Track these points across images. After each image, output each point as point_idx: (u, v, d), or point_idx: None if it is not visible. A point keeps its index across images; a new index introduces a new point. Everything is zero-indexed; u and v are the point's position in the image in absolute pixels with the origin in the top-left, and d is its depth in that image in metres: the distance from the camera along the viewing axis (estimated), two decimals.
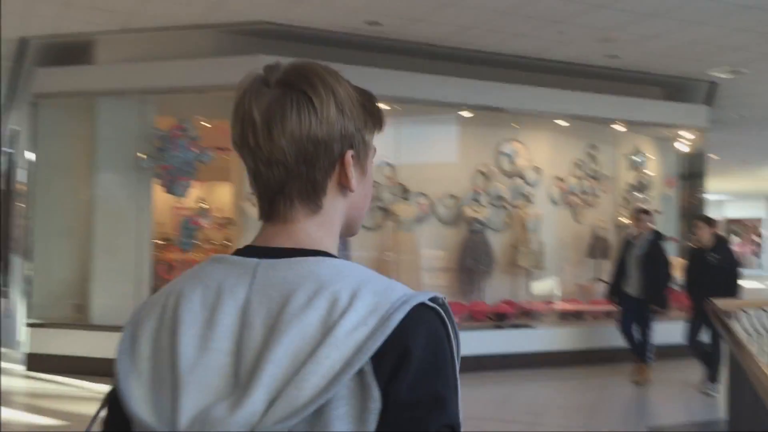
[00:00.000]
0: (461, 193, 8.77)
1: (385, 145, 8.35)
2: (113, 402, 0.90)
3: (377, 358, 0.81)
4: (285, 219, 0.94)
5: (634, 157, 10.04)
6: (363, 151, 0.98)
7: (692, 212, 11.30)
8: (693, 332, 7.04)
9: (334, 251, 0.95)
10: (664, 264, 7.47)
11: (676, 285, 8.16)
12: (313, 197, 0.94)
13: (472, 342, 7.35)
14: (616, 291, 7.59)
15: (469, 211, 8.56)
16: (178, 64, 7.33)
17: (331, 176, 0.95)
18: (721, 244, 7.13)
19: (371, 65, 7.75)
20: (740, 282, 6.98)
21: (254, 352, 0.83)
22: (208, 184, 10.05)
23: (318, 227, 0.95)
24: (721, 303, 5.68)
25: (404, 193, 8.38)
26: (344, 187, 0.96)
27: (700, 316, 6.63)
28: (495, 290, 8.78)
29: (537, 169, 9.21)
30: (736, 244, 30.77)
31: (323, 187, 0.95)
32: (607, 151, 9.89)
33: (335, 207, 0.97)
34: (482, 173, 8.95)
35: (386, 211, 8.33)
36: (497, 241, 8.88)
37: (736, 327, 4.82)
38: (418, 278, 8.25)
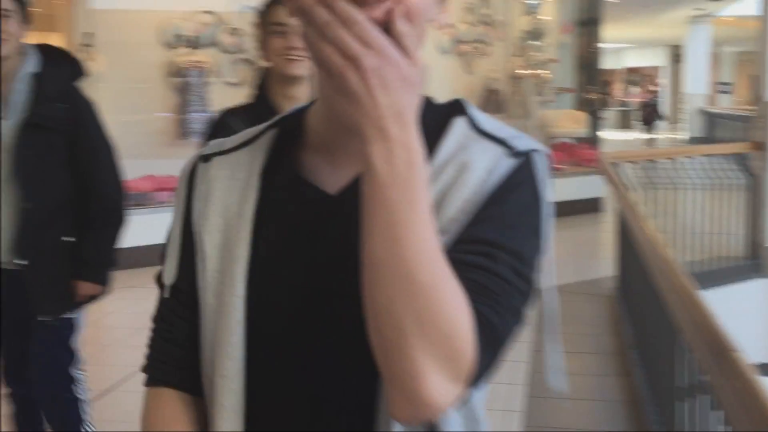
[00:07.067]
0: None
1: None
2: None
3: None
4: None
5: (528, 0, 9.32)
6: None
7: (590, 61, 10.86)
8: None
9: None
10: None
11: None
12: None
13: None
14: None
15: None
16: None
17: None
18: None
19: None
20: None
21: None
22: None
23: None
24: (610, 154, 5.29)
25: None
26: None
27: None
28: None
29: None
30: (634, 93, 31.17)
31: None
32: None
33: None
34: None
35: None
36: None
37: (621, 178, 4.41)
38: None
